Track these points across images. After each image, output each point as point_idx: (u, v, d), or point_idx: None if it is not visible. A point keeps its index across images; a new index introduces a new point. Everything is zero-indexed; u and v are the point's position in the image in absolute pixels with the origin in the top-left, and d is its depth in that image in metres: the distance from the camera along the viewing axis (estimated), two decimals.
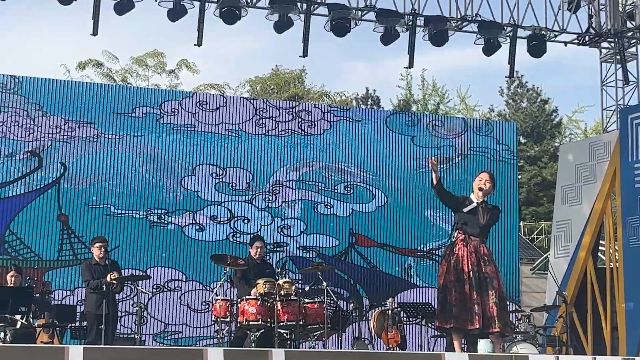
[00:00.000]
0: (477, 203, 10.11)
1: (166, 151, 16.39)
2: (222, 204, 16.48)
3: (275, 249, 16.41)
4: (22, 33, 46.70)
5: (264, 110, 17.17)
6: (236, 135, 16.79)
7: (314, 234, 16.80)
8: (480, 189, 10.17)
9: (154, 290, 15.75)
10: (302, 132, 17.21)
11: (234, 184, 16.56)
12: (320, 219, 16.97)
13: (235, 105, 17.15)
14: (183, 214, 16.26)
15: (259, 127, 16.95)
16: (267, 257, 15.27)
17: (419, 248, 17.36)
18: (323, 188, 16.98)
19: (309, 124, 17.27)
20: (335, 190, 17.07)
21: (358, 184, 17.18)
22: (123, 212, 15.97)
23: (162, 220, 16.14)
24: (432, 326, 10.33)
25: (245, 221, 16.50)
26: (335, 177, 17.14)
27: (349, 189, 17.11)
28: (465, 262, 9.91)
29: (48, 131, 15.76)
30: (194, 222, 16.25)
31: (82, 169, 15.90)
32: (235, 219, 16.48)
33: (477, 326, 9.79)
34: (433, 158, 10.41)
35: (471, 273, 9.85)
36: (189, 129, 16.55)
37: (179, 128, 16.52)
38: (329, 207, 16.99)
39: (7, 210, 15.42)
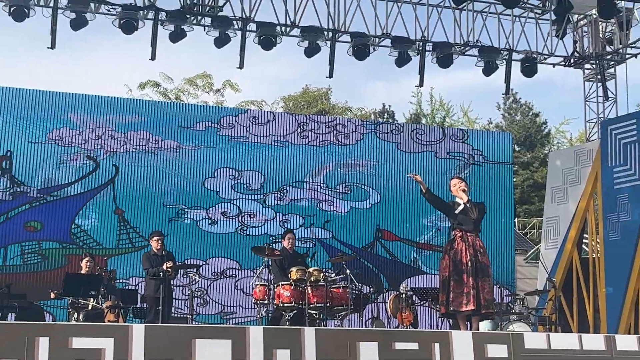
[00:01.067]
0: (464, 203, 10.18)
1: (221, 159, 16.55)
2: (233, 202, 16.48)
3: (278, 240, 16.30)
4: (89, 58, 46.95)
5: (306, 124, 17.29)
6: (282, 145, 16.92)
7: (311, 227, 16.66)
8: (463, 191, 10.25)
9: (212, 277, 15.91)
10: (338, 143, 17.27)
11: (248, 185, 16.59)
12: (322, 214, 16.88)
13: (282, 120, 17.30)
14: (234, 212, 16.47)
15: (302, 139, 17.06)
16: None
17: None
18: (326, 188, 16.95)
19: (344, 135, 17.35)
20: (337, 190, 17.02)
21: (356, 185, 17.17)
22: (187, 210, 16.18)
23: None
24: (439, 314, 10.26)
25: (252, 216, 16.48)
26: (339, 178, 17.10)
27: (348, 189, 17.10)
28: (464, 255, 9.97)
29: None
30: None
31: (146, 174, 16.06)
32: (243, 214, 16.45)
33: (472, 307, 9.86)
34: (412, 173, 10.46)
35: (469, 263, 9.90)
36: (243, 140, 16.69)
37: (234, 139, 16.66)
38: (330, 204, 16.97)
39: (72, 207, 15.55)
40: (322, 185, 16.94)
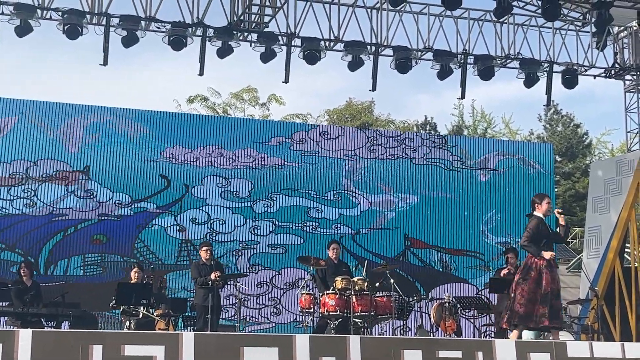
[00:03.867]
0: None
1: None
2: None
3: (246, 246, 16.17)
4: (140, 73, 47.44)
5: (375, 139, 17.42)
6: (352, 159, 17.05)
7: (281, 234, 16.50)
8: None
9: (286, 286, 16.20)
10: (406, 156, 17.38)
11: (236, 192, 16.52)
12: (312, 221, 16.76)
13: (351, 135, 17.53)
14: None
15: (371, 152, 17.18)
16: (240, 255, 15.68)
17: None
18: (315, 196, 16.86)
19: (412, 149, 17.41)
20: (326, 197, 16.94)
21: (345, 192, 17.06)
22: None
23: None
24: (540, 325, 9.94)
25: (221, 222, 16.37)
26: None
27: (337, 197, 17.01)
28: (558, 275, 9.89)
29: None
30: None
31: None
32: (212, 220, 16.35)
33: (558, 325, 9.89)
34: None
35: (559, 284, 9.85)
36: (314, 154, 16.95)
37: (306, 154, 16.91)
38: (319, 211, 16.86)
39: (138, 222, 15.82)
40: (311, 192, 16.85)
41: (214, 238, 15.96)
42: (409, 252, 17.17)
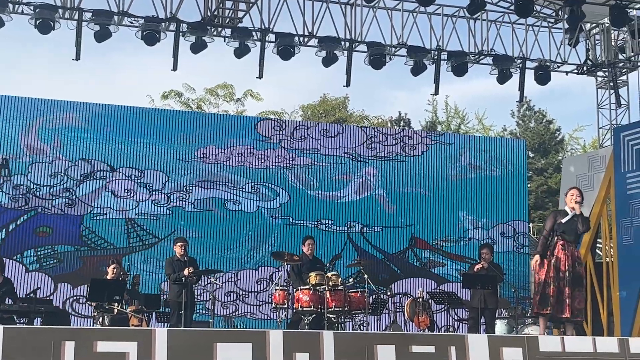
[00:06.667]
0: (573, 214, 10.01)
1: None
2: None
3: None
4: (112, 69, 47.14)
5: (374, 137, 17.42)
6: (352, 157, 17.09)
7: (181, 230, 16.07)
8: (577, 202, 10.07)
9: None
10: (405, 154, 17.37)
11: (150, 184, 16.09)
12: (229, 214, 16.45)
13: (351, 133, 17.50)
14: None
15: (370, 150, 17.19)
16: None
17: None
18: (232, 187, 16.57)
19: (410, 147, 17.40)
20: (244, 189, 16.66)
21: (265, 184, 16.82)
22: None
23: None
24: (530, 313, 10.13)
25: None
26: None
27: (255, 188, 16.80)
28: (563, 264, 9.94)
29: None
30: None
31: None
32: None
33: (567, 315, 9.95)
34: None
35: (567, 273, 9.89)
36: (312, 152, 16.96)
37: (306, 151, 16.90)
38: (237, 204, 16.62)
39: (79, 211, 15.59)
40: (228, 184, 16.56)
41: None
42: (410, 251, 17.13)
